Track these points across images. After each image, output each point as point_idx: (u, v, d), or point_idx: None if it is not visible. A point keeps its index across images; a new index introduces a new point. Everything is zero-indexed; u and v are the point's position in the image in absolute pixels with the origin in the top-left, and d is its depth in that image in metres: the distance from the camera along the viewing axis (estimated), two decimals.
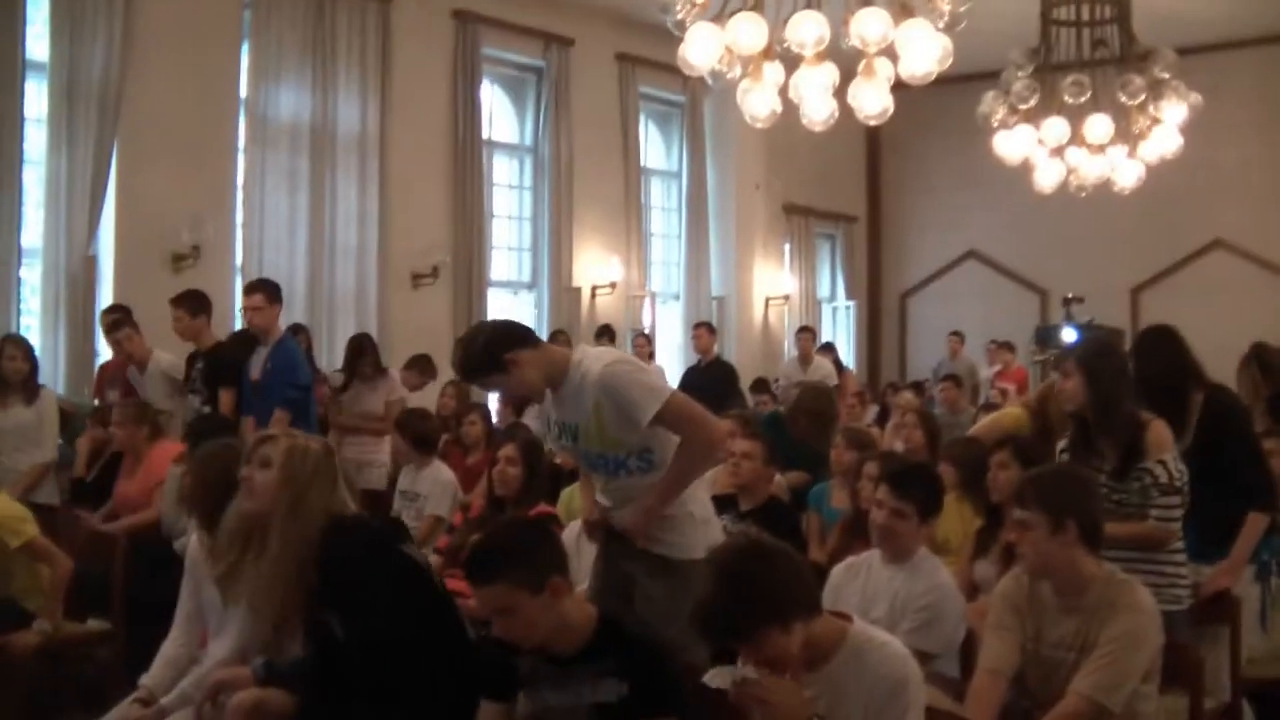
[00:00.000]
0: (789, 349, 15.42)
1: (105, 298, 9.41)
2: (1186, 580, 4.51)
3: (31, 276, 9.32)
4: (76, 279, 9.20)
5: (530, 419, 8.06)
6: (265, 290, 7.48)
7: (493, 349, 4.00)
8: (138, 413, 6.73)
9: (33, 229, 9.25)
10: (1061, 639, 3.67)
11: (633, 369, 4.12)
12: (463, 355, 4.18)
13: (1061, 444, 4.83)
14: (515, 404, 8.94)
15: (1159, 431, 4.50)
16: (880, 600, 4.15)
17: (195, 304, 7.54)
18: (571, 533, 5.19)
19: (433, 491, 6.59)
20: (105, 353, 9.22)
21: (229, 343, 7.86)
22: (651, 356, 11.88)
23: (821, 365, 12.54)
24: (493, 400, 10.63)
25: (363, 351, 8.76)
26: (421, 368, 9.87)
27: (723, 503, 5.07)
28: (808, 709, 3.01)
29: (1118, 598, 3.59)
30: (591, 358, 4.09)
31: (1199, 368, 5.19)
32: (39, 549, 5.36)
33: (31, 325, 9.17)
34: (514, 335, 4.09)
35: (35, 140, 9.28)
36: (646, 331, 13.02)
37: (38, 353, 7.53)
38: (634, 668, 3.33)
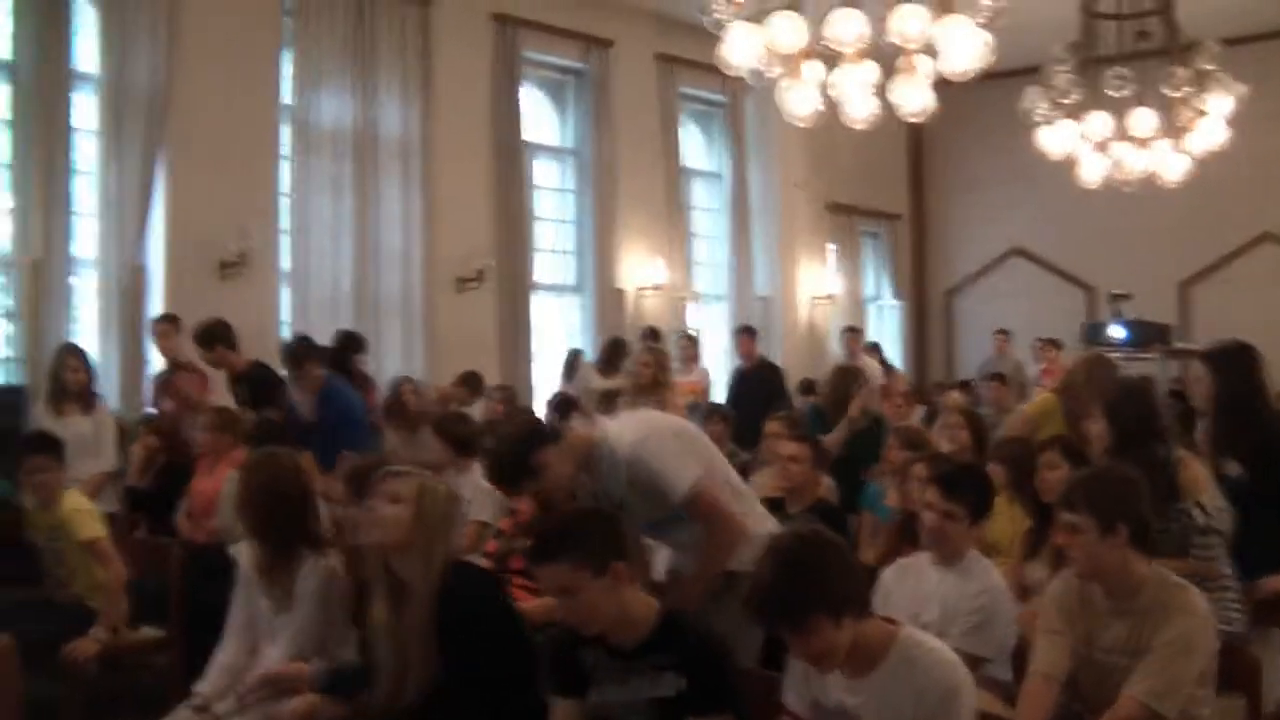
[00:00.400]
0: (835, 349, 15.39)
1: (155, 307, 9.51)
2: (1237, 603, 4.49)
3: (82, 286, 9.43)
4: (126, 288, 9.31)
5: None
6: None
7: (520, 456, 4.11)
8: (224, 420, 6.82)
9: (84, 240, 9.36)
10: (1114, 643, 3.64)
11: (658, 446, 4.19)
12: (496, 468, 4.34)
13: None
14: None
15: (1194, 471, 4.52)
16: (931, 603, 4.13)
17: (207, 337, 7.66)
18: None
19: (475, 496, 6.46)
20: (156, 361, 9.33)
21: (259, 366, 7.96)
22: (695, 360, 11.87)
23: (868, 365, 12.49)
24: (539, 404, 10.70)
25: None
26: (470, 384, 9.90)
27: (771, 504, 5.08)
28: None
29: (1170, 600, 3.55)
30: (615, 434, 4.20)
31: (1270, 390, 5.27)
32: (101, 550, 5.50)
33: (83, 334, 9.26)
34: (535, 435, 4.21)
35: (86, 151, 9.39)
36: (691, 333, 13.01)
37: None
38: (692, 663, 3.35)
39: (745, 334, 12.03)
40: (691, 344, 12.13)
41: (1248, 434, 5.08)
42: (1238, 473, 5.04)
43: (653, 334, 12.04)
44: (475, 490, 6.52)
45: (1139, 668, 3.49)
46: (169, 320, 8.58)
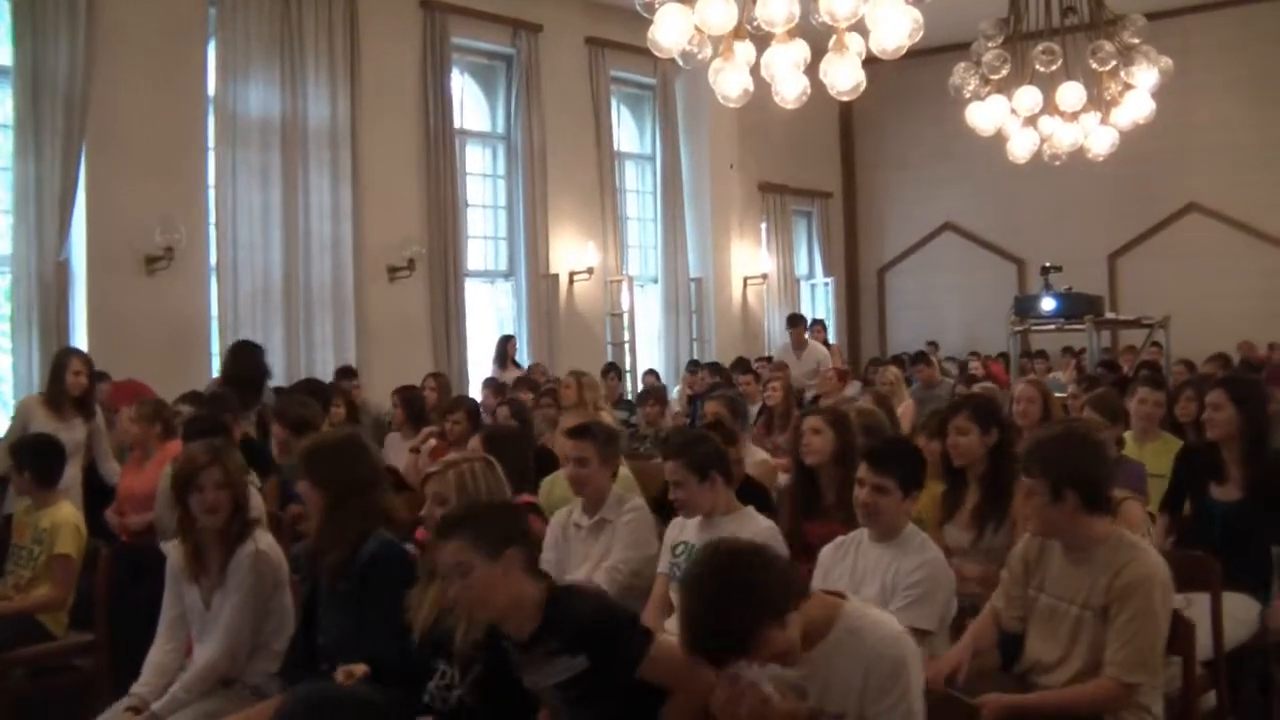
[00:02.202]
0: (770, 329, 15.43)
1: (78, 303, 9.35)
2: None
3: (1, 283, 9.24)
4: (48, 285, 9.10)
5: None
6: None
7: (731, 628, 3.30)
8: (153, 410, 6.69)
9: (1, 236, 9.17)
10: (1066, 590, 3.72)
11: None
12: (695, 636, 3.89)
13: None
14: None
15: (1135, 513, 4.70)
16: (871, 579, 4.12)
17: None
18: (557, 522, 5.19)
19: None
20: None
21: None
22: (629, 346, 11.82)
23: (815, 350, 12.54)
24: (474, 389, 10.64)
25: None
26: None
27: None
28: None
29: (1126, 564, 3.61)
30: (872, 615, 3.48)
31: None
32: (66, 569, 5.44)
33: (3, 332, 9.07)
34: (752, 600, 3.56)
35: (1, 146, 9.20)
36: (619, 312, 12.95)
37: (10, 361, 7.47)
38: (584, 640, 3.36)
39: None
40: (618, 378, 12.01)
41: (1258, 462, 5.27)
42: (1235, 497, 5.25)
43: (613, 370, 11.86)
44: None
45: (1110, 642, 3.54)
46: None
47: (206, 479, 4.32)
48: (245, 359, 8.26)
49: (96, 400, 7.43)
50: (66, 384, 7.07)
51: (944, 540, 4.97)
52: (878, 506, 4.13)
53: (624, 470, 5.96)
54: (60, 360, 7.24)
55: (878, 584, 4.10)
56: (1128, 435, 6.49)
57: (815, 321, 14.33)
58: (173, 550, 4.46)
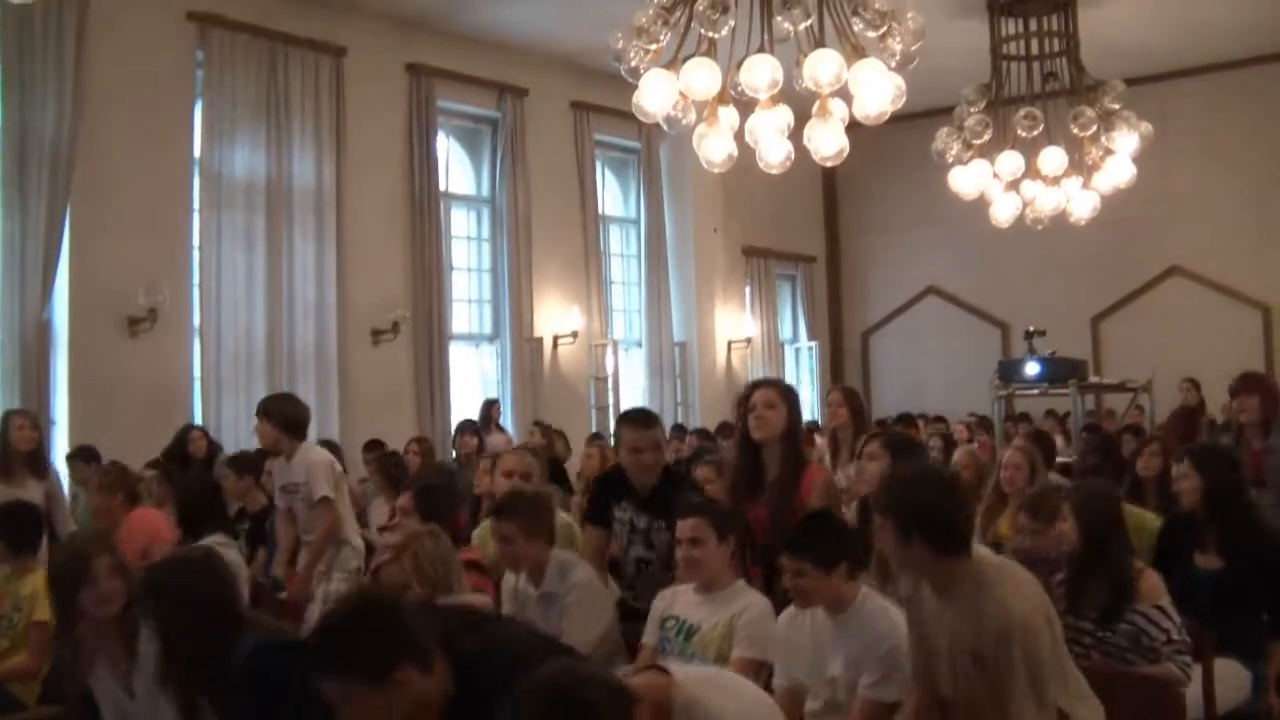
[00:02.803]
0: None
1: (59, 363, 9.31)
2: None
3: None
4: (29, 345, 9.06)
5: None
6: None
7: None
8: (115, 479, 6.60)
9: None
10: (938, 625, 3.69)
11: None
12: None
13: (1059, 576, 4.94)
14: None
15: (1151, 581, 4.72)
16: (834, 655, 4.04)
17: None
18: (509, 587, 5.10)
19: (311, 473, 6.43)
20: (61, 421, 9.13)
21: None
22: (613, 410, 11.77)
23: None
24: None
25: None
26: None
27: None
28: None
29: (983, 614, 3.56)
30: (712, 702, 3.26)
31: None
32: (44, 636, 5.33)
33: None
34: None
35: None
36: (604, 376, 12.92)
37: None
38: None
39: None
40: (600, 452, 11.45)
41: (1232, 529, 5.32)
42: (1217, 565, 5.28)
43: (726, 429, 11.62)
44: (308, 468, 6.49)
45: (1007, 682, 3.49)
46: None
47: (100, 568, 4.01)
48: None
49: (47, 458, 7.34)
50: (12, 442, 6.97)
51: None
52: (802, 589, 4.05)
53: (565, 518, 5.91)
54: (3, 421, 7.14)
55: (841, 659, 4.02)
56: None
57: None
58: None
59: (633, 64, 6.52)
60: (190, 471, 8.33)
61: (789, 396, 5.31)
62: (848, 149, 6.76)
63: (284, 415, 6.59)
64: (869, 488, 4.95)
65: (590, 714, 2.49)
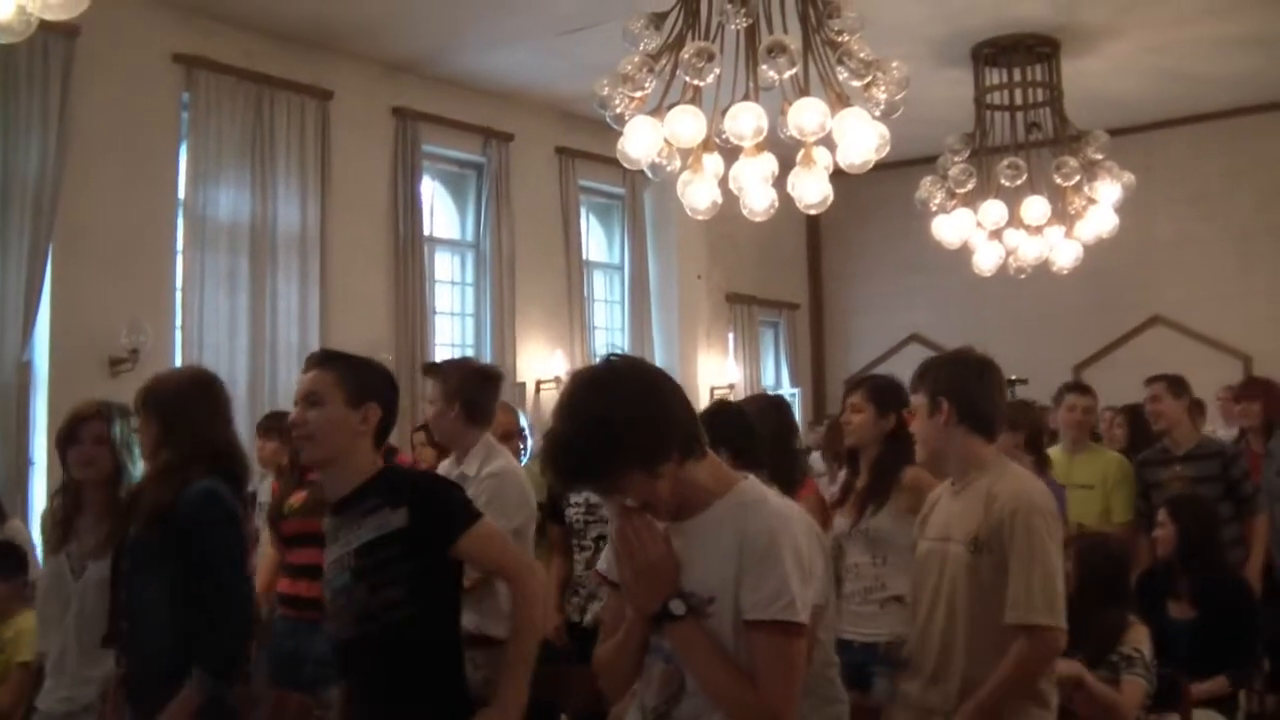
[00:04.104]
0: None
1: (40, 405, 9.25)
2: None
3: None
4: (9, 386, 8.99)
5: None
6: None
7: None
8: None
9: None
10: (942, 528, 3.71)
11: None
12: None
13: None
14: None
15: (1140, 632, 4.91)
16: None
17: None
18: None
19: None
20: (40, 461, 9.04)
21: None
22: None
23: None
24: None
25: None
26: None
27: None
28: (671, 573, 2.72)
29: (999, 493, 3.58)
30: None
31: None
32: (20, 677, 5.30)
33: None
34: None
35: None
36: None
37: None
38: (408, 496, 3.29)
39: None
40: None
41: (1206, 579, 5.49)
42: (1190, 615, 5.44)
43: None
44: None
45: (1010, 561, 3.48)
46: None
47: (86, 432, 4.27)
48: None
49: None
50: None
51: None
52: None
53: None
54: None
55: None
56: (1054, 449, 6.70)
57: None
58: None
59: (618, 110, 6.56)
60: None
61: (879, 397, 5.10)
62: (832, 197, 6.81)
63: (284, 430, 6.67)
64: (855, 438, 4.95)
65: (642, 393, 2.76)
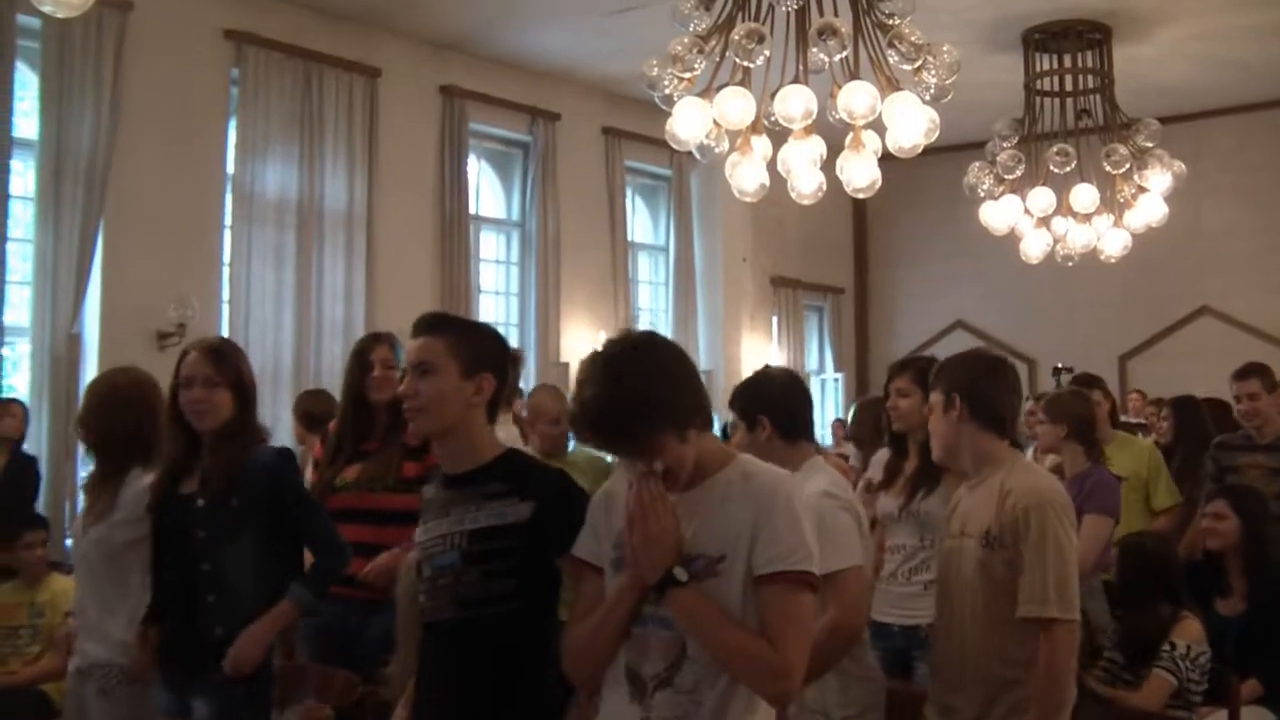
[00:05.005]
0: None
1: (88, 377, 9.32)
2: None
3: (14, 355, 9.25)
4: (60, 357, 9.11)
5: None
6: None
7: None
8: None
9: (18, 308, 9.21)
10: (958, 524, 3.72)
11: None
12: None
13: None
14: None
15: (1192, 627, 4.86)
16: None
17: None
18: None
19: None
20: None
21: None
22: None
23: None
24: None
25: None
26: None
27: None
28: (677, 543, 2.77)
29: (1011, 489, 3.57)
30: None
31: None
32: (62, 636, 5.39)
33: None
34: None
35: (21, 218, 9.26)
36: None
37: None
38: (537, 491, 3.13)
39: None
40: None
41: (1259, 574, 5.40)
42: (1240, 610, 5.38)
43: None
44: None
45: (1024, 555, 3.48)
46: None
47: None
48: None
49: None
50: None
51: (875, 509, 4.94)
52: None
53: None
54: None
55: None
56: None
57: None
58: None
59: (666, 91, 6.54)
60: None
61: (926, 380, 4.76)
62: (880, 181, 6.78)
63: (303, 410, 6.73)
64: (904, 423, 4.92)
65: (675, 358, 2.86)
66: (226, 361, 4.12)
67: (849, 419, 10.44)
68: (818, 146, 6.78)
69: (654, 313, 14.85)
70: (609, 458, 5.77)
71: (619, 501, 2.91)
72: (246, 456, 3.99)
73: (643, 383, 2.74)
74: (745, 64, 6.41)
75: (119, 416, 4.23)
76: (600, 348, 2.91)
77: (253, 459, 4.00)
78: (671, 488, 2.80)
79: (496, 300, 13.14)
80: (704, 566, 2.75)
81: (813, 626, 2.80)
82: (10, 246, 9.06)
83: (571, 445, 6.28)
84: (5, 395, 8.87)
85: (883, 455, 5.28)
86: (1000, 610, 3.48)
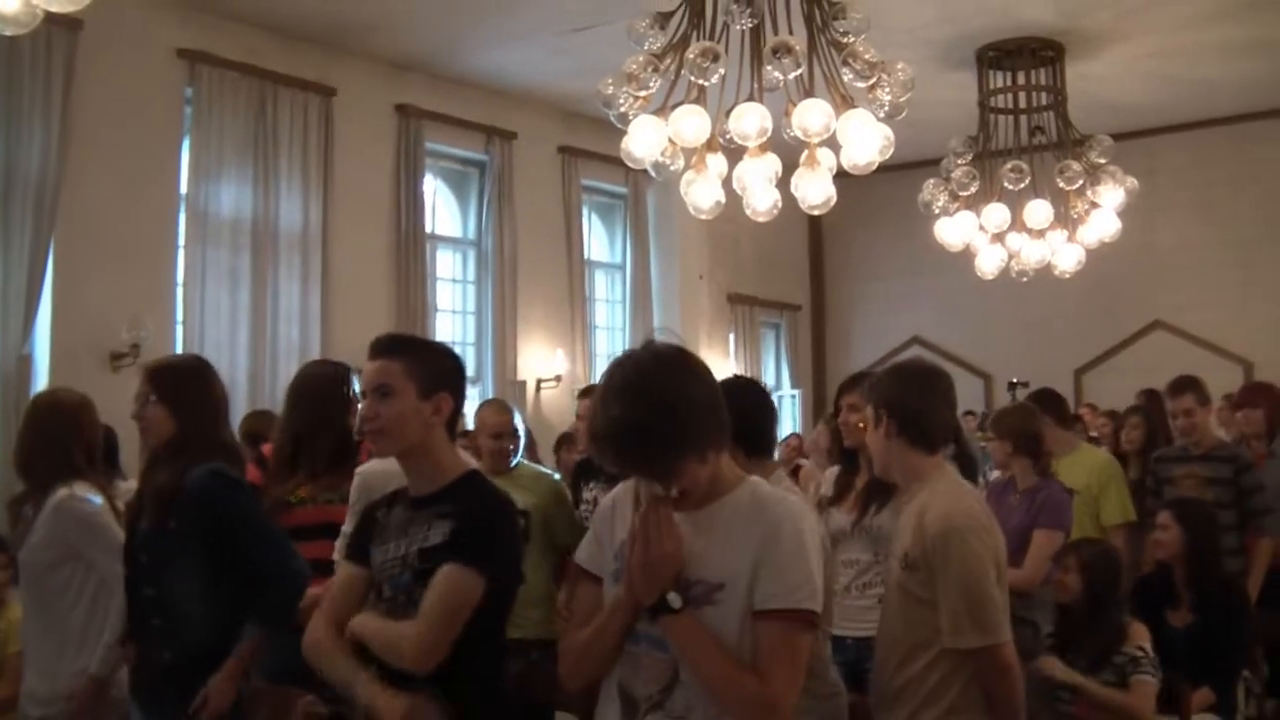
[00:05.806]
0: None
1: None
2: None
3: None
4: (9, 379, 9.00)
5: None
6: None
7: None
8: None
9: None
10: (895, 540, 3.71)
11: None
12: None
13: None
14: None
15: (1139, 631, 4.91)
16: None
17: None
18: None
19: None
20: None
21: None
22: None
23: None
24: None
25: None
26: None
27: None
28: (676, 568, 2.73)
29: (925, 510, 3.54)
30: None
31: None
32: (15, 665, 5.29)
33: None
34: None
35: None
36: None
37: None
38: (462, 510, 3.13)
39: None
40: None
41: (1206, 584, 5.46)
42: (1187, 621, 5.41)
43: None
44: None
45: (941, 616, 3.44)
46: None
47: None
48: None
49: None
50: None
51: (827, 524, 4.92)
52: None
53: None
54: None
55: None
56: None
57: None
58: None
59: (622, 109, 6.53)
60: None
61: None
62: (835, 198, 6.79)
63: (247, 429, 6.66)
64: (854, 438, 4.91)
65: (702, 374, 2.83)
66: (164, 378, 4.07)
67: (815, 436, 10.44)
68: (773, 164, 6.79)
69: (611, 331, 14.84)
70: (556, 475, 5.75)
71: (624, 510, 2.89)
72: (182, 478, 3.92)
73: (672, 408, 2.67)
74: (700, 82, 6.41)
75: (40, 436, 4.20)
76: (627, 358, 2.84)
77: (189, 480, 3.92)
78: (683, 507, 2.77)
79: (453, 319, 13.09)
80: (702, 593, 2.72)
81: (806, 660, 2.75)
82: None
83: (515, 460, 6.25)
84: None
85: (833, 472, 5.29)
86: (916, 632, 3.48)
